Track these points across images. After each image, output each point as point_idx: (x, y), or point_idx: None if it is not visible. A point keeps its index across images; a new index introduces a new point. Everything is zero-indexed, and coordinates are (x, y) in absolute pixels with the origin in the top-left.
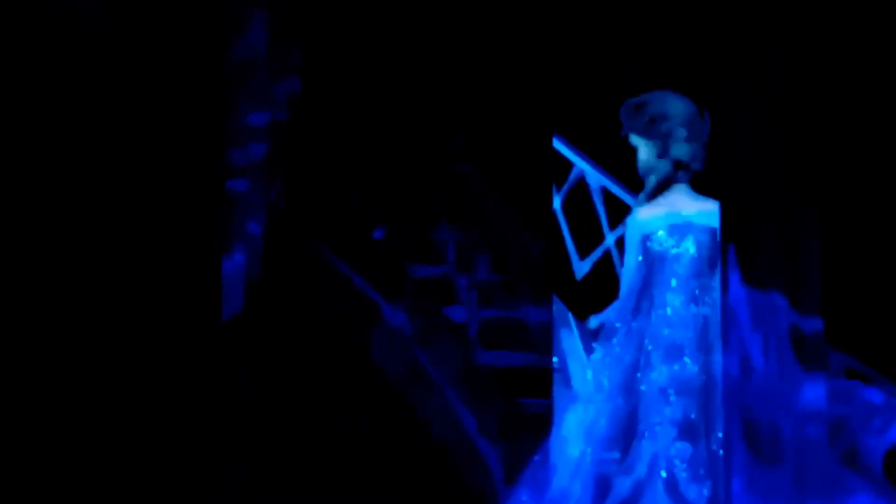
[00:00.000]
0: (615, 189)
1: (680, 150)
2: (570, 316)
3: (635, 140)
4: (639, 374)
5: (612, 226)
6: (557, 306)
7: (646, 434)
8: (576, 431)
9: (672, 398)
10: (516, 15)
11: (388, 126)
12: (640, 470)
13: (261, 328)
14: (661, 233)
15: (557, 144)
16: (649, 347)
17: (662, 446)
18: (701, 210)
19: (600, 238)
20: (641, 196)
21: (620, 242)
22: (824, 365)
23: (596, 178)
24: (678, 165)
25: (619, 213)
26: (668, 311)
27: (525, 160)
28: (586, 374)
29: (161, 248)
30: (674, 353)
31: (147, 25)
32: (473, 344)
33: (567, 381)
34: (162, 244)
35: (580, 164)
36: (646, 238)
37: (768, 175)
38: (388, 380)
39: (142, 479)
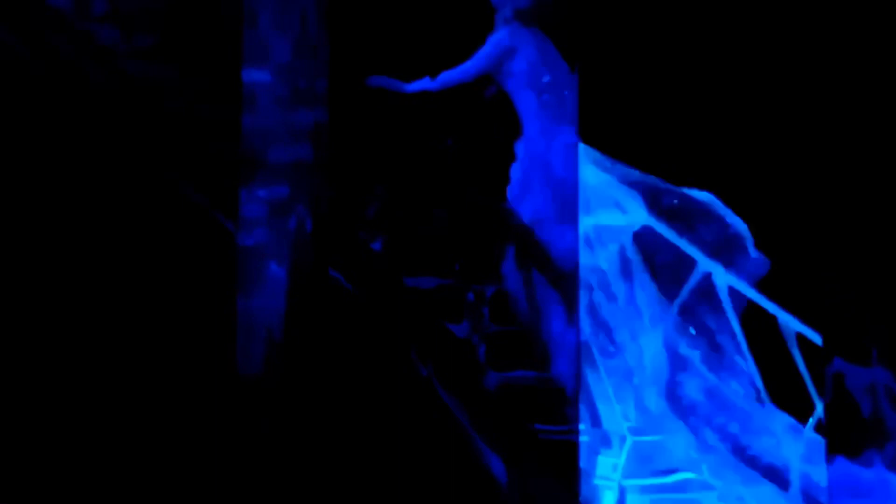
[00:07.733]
0: None
1: None
2: (594, 349)
3: None
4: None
5: None
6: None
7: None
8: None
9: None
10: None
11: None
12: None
13: (282, 378)
14: None
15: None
16: None
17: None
18: None
19: None
20: None
21: None
22: None
23: None
24: None
25: None
26: None
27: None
28: (615, 410)
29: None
30: None
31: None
32: (483, 365)
33: (596, 420)
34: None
35: None
36: None
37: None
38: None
39: None
